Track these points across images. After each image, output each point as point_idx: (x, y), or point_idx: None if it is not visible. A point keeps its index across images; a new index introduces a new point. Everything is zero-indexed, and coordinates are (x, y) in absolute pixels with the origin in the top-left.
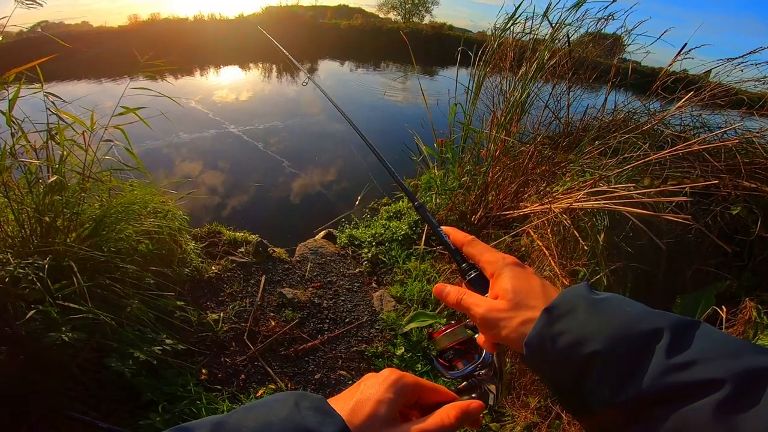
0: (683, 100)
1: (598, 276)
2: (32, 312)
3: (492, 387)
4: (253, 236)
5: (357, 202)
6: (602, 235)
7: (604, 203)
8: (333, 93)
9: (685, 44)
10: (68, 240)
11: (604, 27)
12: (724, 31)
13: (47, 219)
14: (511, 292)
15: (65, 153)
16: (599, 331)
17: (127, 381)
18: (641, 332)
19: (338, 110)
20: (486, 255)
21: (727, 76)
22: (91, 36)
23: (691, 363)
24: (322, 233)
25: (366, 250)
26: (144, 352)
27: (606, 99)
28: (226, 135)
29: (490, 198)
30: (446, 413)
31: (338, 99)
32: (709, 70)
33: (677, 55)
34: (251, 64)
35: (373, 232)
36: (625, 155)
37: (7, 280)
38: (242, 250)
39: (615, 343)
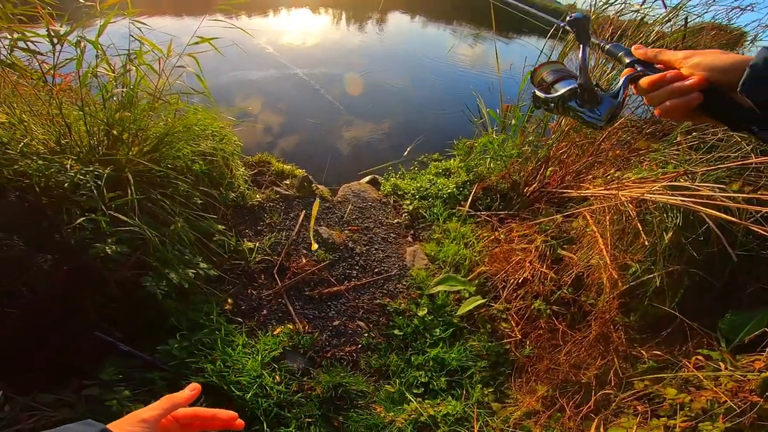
0: None
1: (652, 275)
2: (82, 219)
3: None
4: (300, 170)
5: (406, 153)
6: (669, 234)
7: (682, 200)
8: (399, 46)
9: None
10: (130, 153)
11: (737, 18)
12: None
13: (115, 132)
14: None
15: (140, 75)
16: None
17: (156, 303)
18: None
19: None
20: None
21: None
22: None
23: None
24: (367, 178)
25: (408, 202)
26: (179, 274)
27: None
28: (288, 76)
29: (548, 173)
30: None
31: (403, 52)
32: None
33: None
34: (322, 9)
35: (419, 185)
36: (721, 154)
37: (66, 185)
38: (287, 182)
39: None
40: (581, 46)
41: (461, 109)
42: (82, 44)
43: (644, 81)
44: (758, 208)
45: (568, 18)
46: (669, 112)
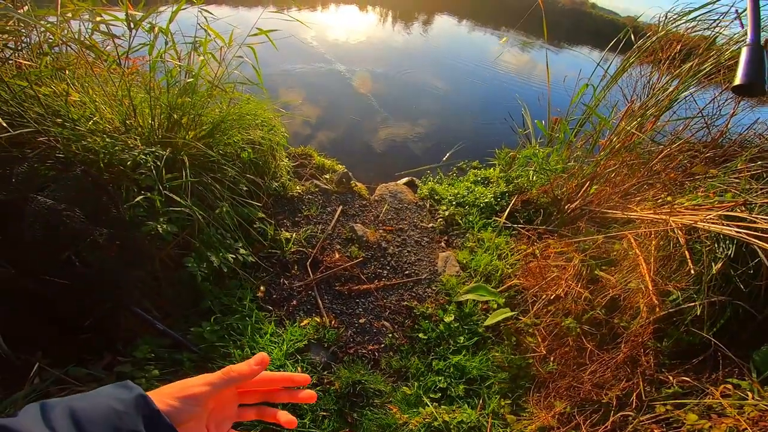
0: None
1: (693, 304)
2: (141, 197)
3: None
4: (340, 166)
5: (445, 158)
6: (718, 265)
7: (737, 231)
8: (444, 49)
9: None
10: (187, 137)
11: None
12: None
13: (175, 116)
14: None
15: (203, 64)
16: None
17: (195, 284)
18: None
19: None
20: None
21: None
22: None
23: None
24: (405, 179)
25: (444, 208)
26: (218, 258)
27: None
28: (332, 71)
29: (592, 190)
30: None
31: (448, 56)
32: None
33: None
34: (369, 7)
35: (456, 191)
36: None
37: (129, 163)
38: (327, 176)
39: None
40: None
41: (504, 118)
42: (156, 30)
43: None
44: None
45: None
46: None
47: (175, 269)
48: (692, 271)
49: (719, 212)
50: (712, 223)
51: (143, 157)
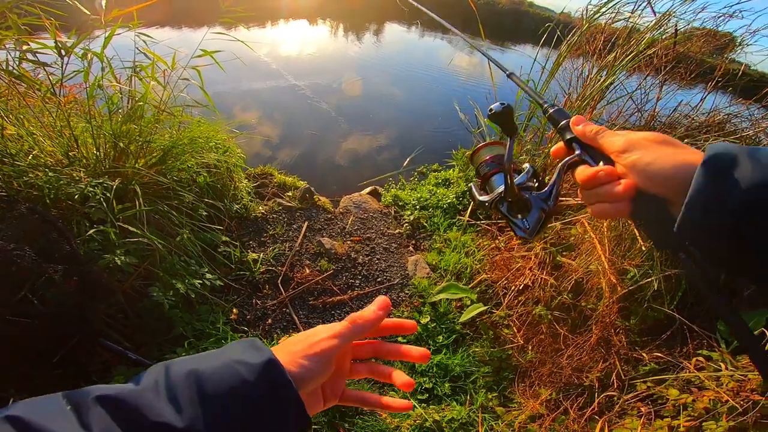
0: None
1: (650, 279)
2: (93, 231)
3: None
4: (302, 182)
5: (406, 163)
6: None
7: None
8: (396, 57)
9: None
10: (137, 165)
11: (724, 24)
12: None
13: (122, 144)
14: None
15: (147, 88)
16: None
17: (163, 312)
18: None
19: None
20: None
21: None
22: None
23: None
24: (368, 189)
25: (408, 213)
26: (185, 285)
27: (704, 98)
28: (287, 87)
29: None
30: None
31: (401, 63)
32: None
33: None
34: (319, 20)
35: (419, 195)
36: None
37: (76, 197)
38: (290, 194)
39: None
40: (508, 141)
41: (459, 120)
42: (89, 56)
43: (579, 174)
44: None
45: (489, 112)
46: (601, 215)
47: (141, 300)
48: (643, 248)
49: None
50: None
51: (91, 189)
